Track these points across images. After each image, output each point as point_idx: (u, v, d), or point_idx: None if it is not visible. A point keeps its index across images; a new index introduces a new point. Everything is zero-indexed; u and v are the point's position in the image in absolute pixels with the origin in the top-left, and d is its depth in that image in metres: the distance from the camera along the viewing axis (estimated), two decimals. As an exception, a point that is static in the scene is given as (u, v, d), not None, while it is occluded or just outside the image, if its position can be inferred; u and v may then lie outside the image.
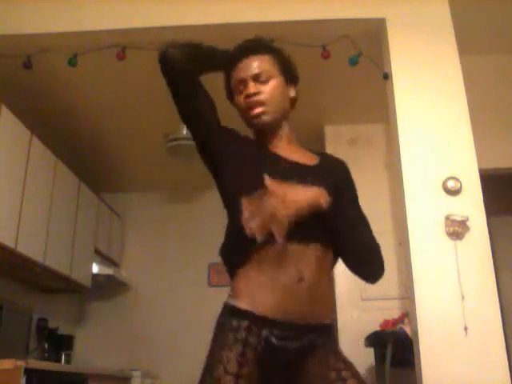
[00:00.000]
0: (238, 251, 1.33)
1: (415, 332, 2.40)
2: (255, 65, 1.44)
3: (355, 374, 1.27)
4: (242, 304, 1.29)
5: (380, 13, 2.86)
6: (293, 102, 1.53)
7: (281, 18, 2.85)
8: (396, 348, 3.00)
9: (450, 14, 2.82)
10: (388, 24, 2.83)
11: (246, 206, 1.21)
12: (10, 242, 3.19)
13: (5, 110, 3.18)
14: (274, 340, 1.26)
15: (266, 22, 2.85)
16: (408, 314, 2.99)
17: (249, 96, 1.41)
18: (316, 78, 3.56)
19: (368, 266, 1.45)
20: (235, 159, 1.40)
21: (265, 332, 1.26)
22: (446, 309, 2.35)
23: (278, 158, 1.41)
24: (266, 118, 1.42)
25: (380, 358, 3.19)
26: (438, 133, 2.65)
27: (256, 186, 1.23)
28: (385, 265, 1.45)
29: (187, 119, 1.45)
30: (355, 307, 3.77)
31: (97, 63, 3.15)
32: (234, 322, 1.28)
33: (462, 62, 2.74)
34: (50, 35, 2.89)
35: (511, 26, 3.22)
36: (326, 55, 2.87)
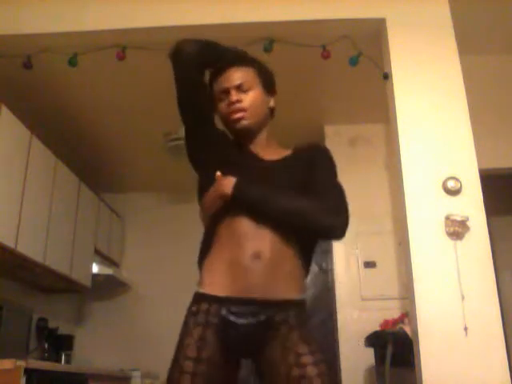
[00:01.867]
0: (204, 241, 1.49)
1: (415, 332, 2.40)
2: (237, 76, 1.55)
3: (317, 361, 1.29)
4: (202, 289, 1.41)
5: (380, 13, 2.86)
6: (272, 111, 1.63)
7: (281, 18, 2.85)
8: (396, 348, 3.00)
9: (450, 14, 2.82)
10: (388, 24, 2.83)
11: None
12: (10, 242, 3.19)
13: (5, 110, 3.18)
14: (231, 317, 1.33)
15: (266, 22, 2.85)
16: (408, 314, 2.98)
17: (231, 103, 1.52)
18: (316, 78, 3.56)
19: (318, 228, 1.45)
20: (213, 160, 1.55)
21: (223, 310, 1.34)
22: (446, 309, 2.35)
23: (250, 155, 1.55)
24: (245, 122, 1.53)
25: (380, 358, 3.19)
26: (438, 133, 2.65)
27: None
28: (347, 216, 1.45)
29: (186, 108, 1.56)
30: (355, 307, 3.77)
31: (97, 63, 3.15)
32: (194, 307, 1.38)
33: (461, 62, 2.74)
34: (50, 35, 2.89)
35: (511, 26, 3.22)
36: (325, 55, 2.87)
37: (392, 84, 2.75)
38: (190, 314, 1.38)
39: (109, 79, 3.59)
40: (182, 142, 4.95)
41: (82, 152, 4.57)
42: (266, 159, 1.54)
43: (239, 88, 1.54)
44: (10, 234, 3.21)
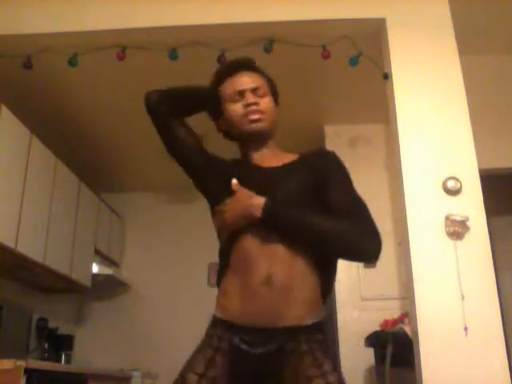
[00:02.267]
0: (220, 261, 1.48)
1: (415, 332, 2.40)
2: (254, 79, 1.55)
3: (331, 381, 1.25)
4: (217, 312, 1.38)
5: (380, 13, 2.86)
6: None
7: (281, 18, 2.85)
8: (396, 348, 3.00)
9: (450, 14, 2.82)
10: (388, 24, 2.83)
11: (216, 214, 1.46)
12: (10, 242, 3.19)
13: (5, 110, 3.18)
14: (243, 346, 1.29)
15: (266, 22, 2.85)
16: (408, 314, 2.98)
17: (249, 104, 1.50)
18: (316, 78, 3.56)
19: (355, 254, 1.46)
20: (217, 178, 1.52)
21: (235, 339, 1.30)
22: (446, 309, 2.35)
23: (253, 165, 1.53)
24: (262, 124, 1.51)
25: (380, 358, 3.19)
26: (438, 133, 2.65)
27: (227, 194, 1.41)
28: (380, 240, 1.45)
29: (173, 155, 1.58)
30: (355, 307, 3.77)
31: (97, 63, 3.15)
32: (210, 330, 1.37)
33: (461, 62, 2.74)
34: (50, 35, 2.89)
35: (511, 26, 3.22)
36: (326, 55, 2.87)
37: (392, 84, 2.75)
38: (206, 335, 1.37)
39: (109, 79, 3.59)
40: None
41: (82, 152, 4.57)
42: (266, 166, 1.51)
43: (255, 92, 1.53)
44: (10, 234, 3.21)
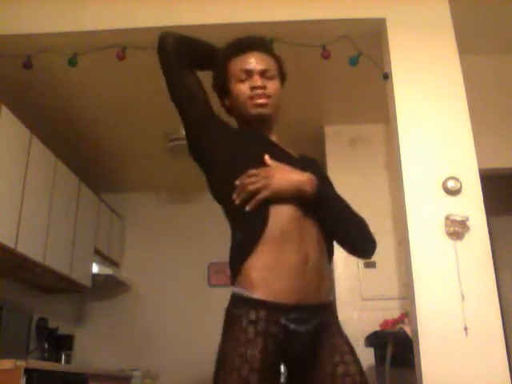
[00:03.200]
0: (245, 237, 1.34)
1: (415, 332, 2.40)
2: (264, 60, 1.52)
3: (357, 359, 1.35)
4: (257, 294, 1.27)
5: (380, 13, 2.86)
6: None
7: (281, 18, 2.85)
8: (396, 348, 3.00)
9: (450, 14, 2.82)
10: (388, 24, 2.83)
11: (247, 177, 1.33)
12: (10, 242, 3.18)
13: (5, 110, 3.18)
14: (291, 326, 1.27)
15: (266, 22, 2.85)
16: (408, 314, 2.98)
17: (256, 87, 1.47)
18: (316, 78, 3.56)
19: (362, 243, 1.48)
20: (231, 142, 1.45)
21: (283, 319, 1.27)
22: (446, 309, 2.35)
23: (274, 144, 1.51)
24: (267, 109, 1.48)
25: (380, 358, 3.19)
26: (438, 133, 2.65)
27: (256, 165, 1.35)
28: (374, 239, 1.49)
29: (179, 100, 1.50)
30: (355, 307, 3.77)
31: (97, 63, 3.14)
32: (252, 314, 1.25)
33: (461, 62, 2.74)
34: (50, 35, 2.89)
35: (511, 26, 3.22)
36: (326, 55, 2.87)
37: (392, 84, 2.75)
38: (249, 321, 1.24)
39: (109, 79, 3.59)
40: (182, 142, 4.96)
41: (81, 152, 4.57)
42: (293, 155, 1.51)
43: (263, 74, 1.49)
44: (10, 234, 3.21)
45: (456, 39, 2.77)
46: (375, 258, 4.51)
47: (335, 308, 1.42)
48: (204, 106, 1.49)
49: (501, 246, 3.73)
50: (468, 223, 2.45)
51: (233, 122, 1.56)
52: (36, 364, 2.83)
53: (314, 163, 1.58)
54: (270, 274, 1.28)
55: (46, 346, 4.21)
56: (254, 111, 1.48)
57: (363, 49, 2.86)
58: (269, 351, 1.23)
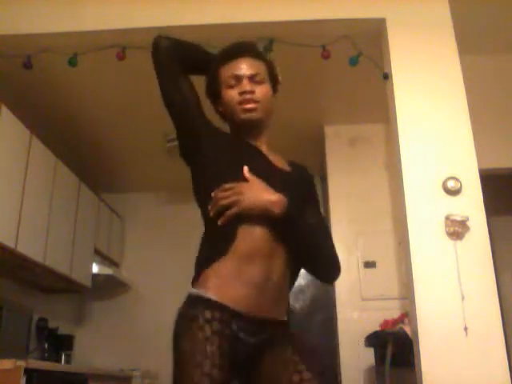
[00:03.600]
0: (213, 241, 1.41)
1: (415, 332, 2.40)
2: (253, 65, 1.53)
3: (310, 366, 1.34)
4: (214, 296, 1.33)
5: (380, 13, 2.85)
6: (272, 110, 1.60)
7: (281, 18, 2.85)
8: (396, 348, 3.00)
9: (450, 14, 2.82)
10: (388, 24, 2.82)
11: (221, 191, 1.38)
12: (10, 242, 3.19)
13: (5, 110, 3.18)
14: (240, 334, 1.32)
15: (266, 22, 2.85)
16: (408, 314, 2.98)
17: (244, 92, 1.48)
18: (316, 78, 3.56)
19: (324, 270, 1.51)
20: (218, 151, 1.48)
21: (234, 325, 1.31)
22: (446, 309, 2.35)
23: (261, 154, 1.52)
24: (256, 114, 1.50)
25: (380, 358, 3.19)
26: (438, 133, 2.65)
27: (234, 177, 1.39)
28: (340, 266, 1.50)
29: (171, 104, 1.53)
30: (355, 307, 3.78)
31: (97, 63, 3.15)
32: (208, 314, 1.30)
33: (461, 62, 2.74)
34: (50, 35, 2.89)
35: (511, 26, 3.22)
36: (326, 55, 2.87)
37: (392, 84, 2.75)
38: (205, 320, 1.30)
39: (109, 79, 3.59)
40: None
41: (81, 152, 4.57)
42: (278, 166, 1.52)
43: (252, 78, 1.51)
44: (10, 234, 3.21)
45: (456, 39, 2.77)
46: (375, 257, 4.55)
47: (288, 327, 1.45)
48: (196, 111, 1.51)
49: (501, 246, 3.73)
50: (468, 223, 2.45)
51: (226, 128, 1.58)
52: (36, 364, 2.83)
53: (301, 172, 1.59)
54: (227, 282, 1.34)
55: (46, 345, 4.21)
56: (244, 116, 1.49)
57: (363, 49, 2.86)
58: (224, 350, 1.27)
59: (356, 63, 2.87)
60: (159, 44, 1.53)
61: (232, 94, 1.50)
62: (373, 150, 4.11)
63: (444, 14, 2.83)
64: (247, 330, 1.33)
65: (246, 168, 1.40)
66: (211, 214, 1.40)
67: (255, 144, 1.53)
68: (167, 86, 1.53)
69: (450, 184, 2.53)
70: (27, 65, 2.92)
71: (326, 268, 1.49)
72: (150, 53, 1.54)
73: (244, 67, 1.52)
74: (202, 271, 1.41)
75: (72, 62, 2.90)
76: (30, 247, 3.45)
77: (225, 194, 1.38)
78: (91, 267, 4.58)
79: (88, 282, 4.51)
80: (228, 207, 1.37)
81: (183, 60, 1.54)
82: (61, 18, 2.90)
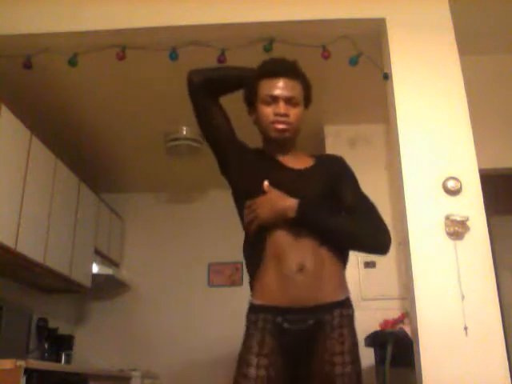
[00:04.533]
0: (250, 254, 1.64)
1: (415, 332, 2.40)
2: (290, 88, 1.65)
3: (348, 361, 1.48)
4: (257, 300, 1.57)
5: (380, 13, 2.85)
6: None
7: (281, 18, 2.85)
8: (396, 348, 3.00)
9: (450, 14, 2.82)
10: (388, 24, 2.82)
11: (246, 208, 1.61)
12: (9, 242, 3.19)
13: (5, 109, 3.18)
14: (285, 325, 1.51)
15: (266, 22, 2.85)
16: (408, 314, 2.98)
17: (279, 114, 1.63)
18: (316, 78, 3.55)
19: (370, 249, 1.72)
20: (244, 170, 1.68)
21: (278, 319, 1.52)
22: (446, 309, 2.35)
23: (281, 165, 1.68)
24: (287, 134, 1.66)
25: (380, 358, 3.19)
26: (438, 133, 2.65)
27: (258, 191, 1.58)
28: (390, 235, 1.66)
29: (206, 129, 1.73)
30: (355, 307, 3.76)
31: (97, 63, 3.15)
32: (253, 317, 1.56)
33: (461, 62, 2.74)
34: (50, 35, 2.89)
35: (511, 26, 3.22)
36: (326, 55, 2.87)
37: (392, 84, 2.75)
38: (250, 322, 1.56)
39: (109, 79, 3.59)
40: (182, 143, 4.97)
41: (81, 152, 4.57)
42: (295, 168, 1.66)
43: (288, 101, 1.63)
44: (10, 234, 3.21)
45: (456, 39, 2.77)
46: (375, 257, 4.53)
47: (345, 305, 1.61)
48: (225, 140, 1.71)
49: (501, 246, 3.73)
50: (468, 223, 2.45)
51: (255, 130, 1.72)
52: (36, 364, 2.82)
53: (326, 164, 1.72)
54: (268, 284, 1.55)
55: (46, 346, 4.22)
56: (274, 135, 1.65)
57: (363, 49, 2.86)
58: (265, 342, 1.50)
59: (356, 63, 2.87)
60: (191, 80, 1.70)
61: (267, 112, 1.64)
62: (373, 150, 4.11)
63: (444, 14, 2.83)
64: (290, 319, 1.51)
65: (265, 183, 1.57)
66: (246, 230, 1.64)
67: (278, 155, 1.69)
68: (201, 118, 1.72)
69: (450, 184, 2.53)
70: (27, 65, 2.92)
71: (368, 247, 1.68)
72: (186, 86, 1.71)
73: (282, 88, 1.63)
74: (251, 280, 1.63)
75: (72, 62, 2.90)
76: (30, 247, 3.45)
77: (247, 212, 1.60)
78: (91, 267, 4.58)
79: (88, 282, 4.51)
80: (251, 223, 1.59)
81: (216, 89, 1.71)
82: (61, 18, 2.90)
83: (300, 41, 2.81)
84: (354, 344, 1.55)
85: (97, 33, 2.88)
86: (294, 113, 1.64)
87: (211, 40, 2.84)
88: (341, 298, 1.59)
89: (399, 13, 2.84)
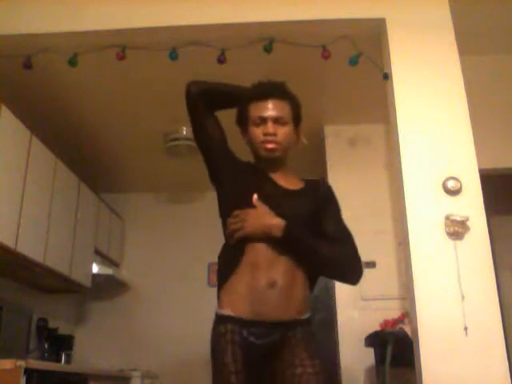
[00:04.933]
0: (226, 262, 1.69)
1: (415, 332, 2.40)
2: (278, 109, 1.72)
3: (315, 368, 1.52)
4: (224, 310, 1.60)
5: (380, 13, 2.85)
6: (297, 138, 1.81)
7: (281, 18, 2.85)
8: (396, 348, 3.00)
9: (450, 14, 2.82)
10: (388, 24, 2.82)
11: (232, 217, 1.65)
12: (9, 242, 3.19)
13: (5, 109, 3.18)
14: (251, 338, 1.55)
15: (266, 22, 2.85)
16: (408, 314, 2.98)
17: (268, 134, 1.69)
18: (316, 78, 3.56)
19: (344, 277, 1.77)
20: (235, 180, 1.73)
21: (244, 331, 1.55)
22: (446, 309, 2.35)
23: (271, 181, 1.73)
24: (276, 153, 1.72)
25: (380, 357, 3.19)
26: (438, 133, 2.65)
27: (246, 203, 1.63)
28: (362, 269, 1.70)
29: (200, 140, 1.79)
30: (355, 307, 3.77)
31: (97, 63, 3.15)
32: (222, 328, 1.57)
33: (462, 62, 2.74)
34: (50, 35, 2.89)
35: (511, 26, 3.22)
36: (326, 55, 2.87)
37: (392, 84, 2.75)
38: (220, 335, 1.57)
39: (109, 79, 3.59)
40: (182, 143, 4.97)
41: (82, 152, 4.57)
42: (284, 187, 1.72)
43: (276, 120, 1.70)
44: (10, 234, 3.21)
45: (456, 39, 2.77)
46: (375, 257, 4.54)
47: (307, 325, 1.62)
48: (218, 150, 1.76)
49: (501, 246, 3.73)
50: (468, 223, 2.45)
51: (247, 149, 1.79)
52: (36, 364, 2.83)
53: (313, 187, 1.77)
54: (237, 294, 1.60)
55: (46, 346, 4.21)
56: (264, 154, 1.71)
57: (363, 49, 2.86)
58: (238, 358, 1.52)
59: (356, 63, 2.87)
60: (189, 90, 1.75)
61: (257, 133, 1.71)
62: (373, 150, 4.11)
63: (444, 14, 2.83)
64: (256, 333, 1.55)
65: (255, 196, 1.63)
66: (226, 235, 1.68)
67: (269, 172, 1.74)
68: (196, 127, 1.78)
69: (450, 184, 2.53)
70: (27, 65, 2.92)
71: (342, 275, 1.73)
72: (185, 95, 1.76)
73: (270, 109, 1.70)
74: (220, 288, 1.67)
75: (72, 62, 2.90)
76: (30, 247, 3.45)
77: (233, 221, 1.64)
78: (91, 267, 4.58)
79: (88, 282, 4.51)
80: (235, 231, 1.63)
81: (212, 102, 1.76)
82: (61, 18, 2.90)
83: (300, 41, 2.81)
84: (317, 358, 1.57)
85: (97, 33, 2.88)
86: (282, 132, 1.70)
87: (211, 40, 2.84)
88: (304, 316, 1.63)
89: (399, 13, 2.84)
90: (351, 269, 1.70)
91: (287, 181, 1.75)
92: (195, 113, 1.76)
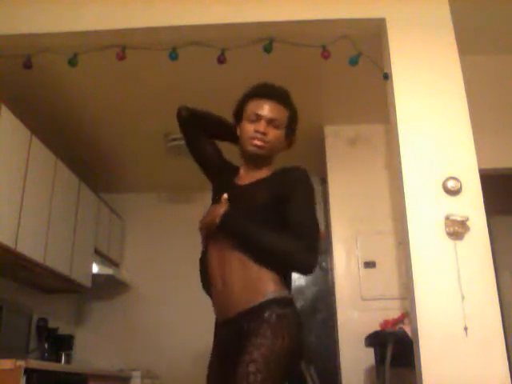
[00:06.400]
0: (201, 272, 1.81)
1: (415, 332, 2.40)
2: (275, 111, 1.77)
3: (250, 360, 1.49)
4: (215, 315, 1.73)
5: (380, 13, 2.85)
6: (289, 144, 1.87)
7: (281, 18, 2.85)
8: (396, 348, 3.00)
9: (450, 14, 2.82)
10: (388, 24, 2.82)
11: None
12: (10, 242, 3.19)
13: (5, 109, 3.18)
14: (221, 335, 1.67)
15: (266, 22, 2.85)
16: (408, 314, 2.98)
17: (258, 132, 1.74)
18: (316, 78, 3.56)
19: (292, 267, 1.69)
20: (219, 185, 1.85)
21: (217, 330, 1.70)
22: (446, 309, 2.35)
23: (235, 184, 1.81)
24: (261, 151, 1.76)
25: (380, 357, 3.19)
26: (438, 133, 2.65)
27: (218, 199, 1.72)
28: (315, 258, 1.63)
29: (193, 157, 1.95)
30: (355, 307, 3.78)
31: (97, 63, 3.15)
32: (215, 330, 1.73)
33: (461, 62, 2.74)
34: (50, 35, 2.89)
35: (511, 26, 3.22)
36: (326, 55, 2.87)
37: (392, 84, 2.75)
38: (214, 335, 1.73)
39: (109, 79, 3.59)
40: (182, 143, 4.96)
41: (82, 152, 4.57)
42: (243, 184, 1.78)
43: (270, 122, 1.75)
44: (10, 234, 3.21)
45: (456, 39, 2.77)
46: (375, 257, 4.54)
47: (260, 310, 1.57)
48: (212, 162, 1.92)
49: (501, 246, 3.73)
50: (468, 223, 2.45)
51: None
52: (36, 364, 2.83)
53: (277, 177, 1.75)
54: (213, 300, 1.71)
55: (46, 346, 4.22)
56: (250, 149, 1.76)
57: (363, 49, 2.86)
58: (215, 353, 1.69)
59: (356, 63, 2.87)
60: (180, 114, 1.89)
61: (248, 128, 1.76)
62: (373, 150, 4.11)
63: (444, 14, 2.83)
64: (223, 330, 1.65)
65: (224, 195, 1.68)
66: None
67: (240, 174, 1.83)
68: (188, 146, 1.95)
69: (450, 184, 2.53)
70: (27, 65, 2.91)
71: (285, 264, 1.65)
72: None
73: (267, 109, 1.76)
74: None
75: (72, 62, 2.90)
76: (30, 247, 3.45)
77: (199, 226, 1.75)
78: (91, 267, 4.58)
79: (88, 282, 4.51)
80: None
81: (199, 126, 1.89)
82: (61, 18, 2.90)
83: (300, 41, 2.81)
84: (257, 348, 1.49)
85: (97, 33, 2.88)
86: (273, 133, 1.75)
87: (211, 40, 2.84)
88: (254, 304, 1.58)
89: (399, 13, 2.84)
90: (295, 259, 1.60)
91: (253, 176, 1.79)
92: (186, 134, 1.91)
